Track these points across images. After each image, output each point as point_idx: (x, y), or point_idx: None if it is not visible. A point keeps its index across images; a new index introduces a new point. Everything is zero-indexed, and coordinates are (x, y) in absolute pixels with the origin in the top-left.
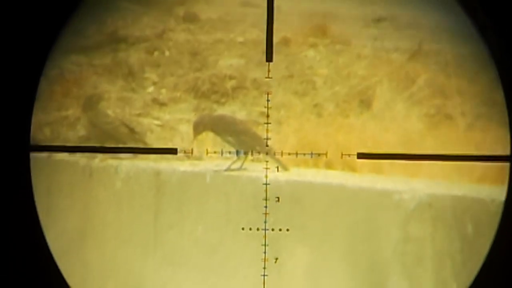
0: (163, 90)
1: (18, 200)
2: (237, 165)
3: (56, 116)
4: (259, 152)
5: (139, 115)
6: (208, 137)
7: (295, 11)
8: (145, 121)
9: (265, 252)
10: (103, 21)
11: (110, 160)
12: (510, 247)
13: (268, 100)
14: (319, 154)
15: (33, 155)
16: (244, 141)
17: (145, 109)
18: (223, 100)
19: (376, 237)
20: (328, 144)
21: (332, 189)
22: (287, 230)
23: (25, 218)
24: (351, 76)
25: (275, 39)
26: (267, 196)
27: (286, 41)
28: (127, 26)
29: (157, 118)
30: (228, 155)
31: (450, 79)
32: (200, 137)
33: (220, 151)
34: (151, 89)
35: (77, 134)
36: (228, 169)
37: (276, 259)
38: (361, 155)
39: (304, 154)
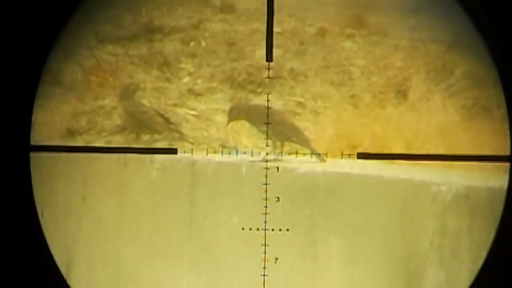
0: (199, 81)
1: (18, 200)
2: (272, 156)
3: (93, 106)
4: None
5: (174, 105)
6: (243, 126)
7: (332, 1)
8: (181, 111)
9: (265, 252)
10: (139, 12)
11: (146, 150)
12: (510, 248)
13: (268, 100)
14: (319, 154)
15: (67, 144)
16: (281, 131)
17: (180, 99)
18: (259, 90)
19: (413, 229)
20: (364, 135)
21: (369, 180)
22: (287, 230)
23: (25, 218)
24: (388, 67)
25: (312, 30)
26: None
27: (323, 32)
28: (162, 16)
29: (193, 109)
30: (228, 155)
31: (487, 71)
32: (235, 127)
33: (221, 151)
34: (186, 79)
35: (113, 123)
36: (263, 160)
37: (276, 259)
38: (361, 155)
39: (304, 154)
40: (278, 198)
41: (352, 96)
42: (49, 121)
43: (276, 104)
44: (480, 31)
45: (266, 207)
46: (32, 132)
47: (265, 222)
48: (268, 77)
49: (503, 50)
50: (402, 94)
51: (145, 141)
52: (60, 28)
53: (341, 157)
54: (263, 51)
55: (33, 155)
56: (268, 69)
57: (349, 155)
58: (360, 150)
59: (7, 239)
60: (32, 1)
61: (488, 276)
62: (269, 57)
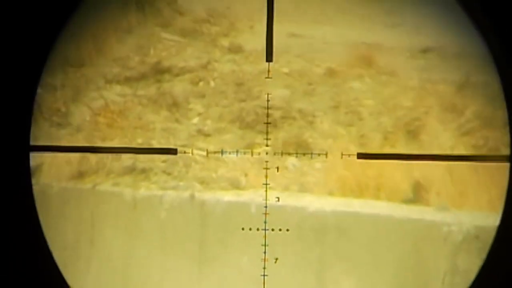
0: (208, 121)
1: (18, 200)
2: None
3: (101, 147)
4: (259, 153)
5: (184, 145)
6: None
7: (340, 41)
8: (190, 151)
9: (265, 252)
10: (147, 52)
11: (154, 191)
12: (510, 248)
13: (268, 101)
14: (319, 154)
15: (75, 186)
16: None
17: (189, 140)
18: (268, 130)
19: (424, 269)
20: (373, 174)
21: (379, 219)
22: (287, 230)
23: (25, 218)
24: (397, 107)
25: (320, 70)
26: (267, 197)
27: (331, 72)
28: (171, 57)
29: (202, 149)
30: (228, 155)
31: (497, 111)
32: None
33: (221, 150)
34: (196, 119)
35: (121, 164)
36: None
37: (276, 259)
38: (361, 155)
39: (304, 154)
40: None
41: (361, 136)
42: (58, 162)
43: (284, 142)
44: (480, 31)
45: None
46: (40, 173)
47: (265, 222)
48: (268, 77)
49: (503, 50)
50: (411, 134)
51: (155, 181)
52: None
53: (341, 157)
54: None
55: (42, 197)
56: (268, 69)
57: (349, 155)
58: (369, 191)
59: (7, 239)
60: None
61: (488, 276)
62: (269, 58)
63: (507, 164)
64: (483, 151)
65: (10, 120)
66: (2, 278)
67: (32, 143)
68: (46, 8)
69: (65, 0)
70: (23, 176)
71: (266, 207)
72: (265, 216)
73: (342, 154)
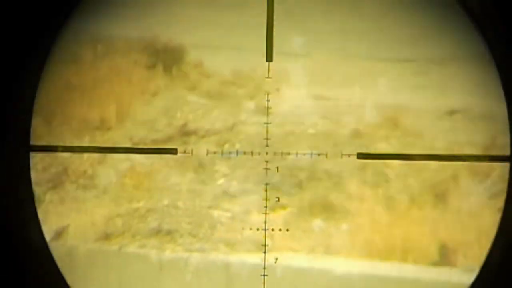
0: (234, 182)
1: (18, 199)
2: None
3: (127, 208)
4: (259, 153)
5: (209, 207)
6: None
7: (366, 103)
8: (215, 213)
9: (265, 252)
10: (173, 115)
11: (180, 253)
12: (509, 248)
13: (268, 100)
14: (319, 154)
15: (101, 248)
16: None
17: (215, 201)
18: (293, 191)
19: None
20: (402, 237)
21: (406, 283)
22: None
23: (25, 218)
24: (424, 169)
25: (346, 131)
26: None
27: (357, 133)
28: (197, 119)
29: (227, 210)
30: (228, 155)
31: None
32: None
33: (220, 151)
34: (221, 181)
35: (147, 226)
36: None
37: (276, 259)
38: (361, 155)
39: (304, 154)
40: None
41: (388, 198)
42: (84, 224)
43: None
44: (480, 31)
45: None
46: (66, 235)
47: (265, 223)
48: (268, 77)
49: (503, 50)
50: (437, 197)
51: (181, 243)
52: None
53: (341, 157)
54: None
55: (68, 259)
56: (268, 69)
57: (349, 155)
58: (395, 253)
59: (7, 239)
60: None
61: (488, 276)
62: (269, 58)
63: (507, 164)
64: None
65: (10, 120)
66: (2, 278)
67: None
68: (41, 7)
69: None
70: (23, 176)
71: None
72: (265, 216)
73: (342, 154)
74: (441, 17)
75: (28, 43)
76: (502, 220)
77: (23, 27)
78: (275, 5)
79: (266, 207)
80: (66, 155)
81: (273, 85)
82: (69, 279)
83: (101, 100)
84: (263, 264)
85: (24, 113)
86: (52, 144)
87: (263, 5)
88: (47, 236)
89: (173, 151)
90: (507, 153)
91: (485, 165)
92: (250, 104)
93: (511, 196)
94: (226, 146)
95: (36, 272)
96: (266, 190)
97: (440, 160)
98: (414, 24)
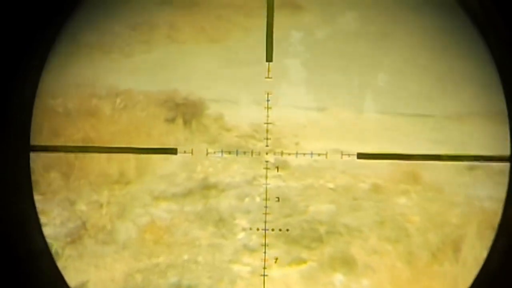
0: (253, 236)
1: (18, 200)
2: None
3: (147, 264)
4: (259, 153)
5: (229, 261)
6: None
7: (385, 157)
8: (235, 267)
9: (265, 252)
10: (193, 169)
11: None
12: (509, 248)
13: (268, 100)
14: (319, 154)
15: None
16: None
17: (235, 255)
18: (313, 245)
19: None
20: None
21: None
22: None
23: (25, 218)
24: (444, 224)
25: (365, 186)
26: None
27: (376, 188)
28: (217, 173)
29: (248, 265)
30: (228, 155)
31: None
32: None
33: (220, 151)
34: (241, 235)
35: (167, 281)
36: None
37: (276, 259)
38: (361, 155)
39: (304, 154)
40: None
41: (408, 253)
42: (103, 280)
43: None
44: (480, 31)
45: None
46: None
47: (265, 222)
48: (268, 77)
49: (503, 50)
50: (458, 251)
51: None
52: None
53: (341, 157)
54: (317, 207)
55: None
56: (268, 69)
57: (349, 155)
58: None
59: (7, 239)
60: None
61: (488, 276)
62: (269, 57)
63: (507, 164)
64: None
65: (10, 120)
66: (2, 278)
67: None
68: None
69: None
70: (23, 176)
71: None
72: (265, 216)
73: (342, 154)
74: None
75: (28, 43)
76: (502, 220)
77: (23, 27)
78: None
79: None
80: (84, 208)
81: (292, 139)
82: None
83: (119, 153)
84: None
85: (24, 113)
86: (52, 144)
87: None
88: None
89: (173, 151)
90: (507, 153)
91: (503, 221)
92: (270, 158)
93: (511, 196)
94: (246, 199)
95: (36, 273)
96: (285, 244)
97: (440, 160)
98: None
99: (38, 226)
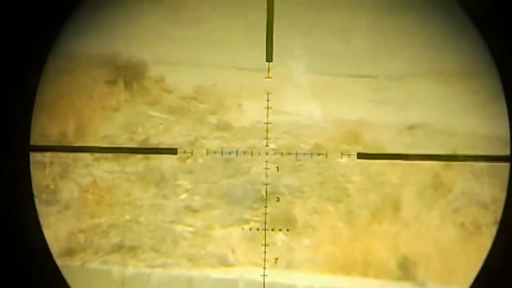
0: (196, 197)
1: (18, 199)
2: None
3: (89, 224)
4: (259, 153)
5: (171, 222)
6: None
7: (328, 118)
8: (178, 228)
9: (265, 252)
10: (135, 130)
11: (142, 268)
12: (509, 248)
13: (268, 100)
14: (319, 154)
15: (64, 263)
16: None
17: (177, 216)
18: (256, 206)
19: None
20: (361, 251)
21: None
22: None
23: (25, 218)
24: (385, 184)
25: (307, 146)
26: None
27: (318, 148)
28: (159, 134)
29: (190, 225)
30: (228, 155)
31: (485, 187)
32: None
33: (220, 151)
34: (183, 196)
35: (110, 242)
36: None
37: (276, 259)
38: (361, 155)
39: (304, 154)
40: None
41: (349, 213)
42: (47, 240)
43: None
44: (480, 30)
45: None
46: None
47: (265, 223)
48: (268, 77)
49: (503, 50)
50: (398, 211)
51: (143, 259)
52: None
53: (341, 157)
54: (260, 167)
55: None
56: (268, 69)
57: (349, 155)
58: (357, 268)
59: (7, 239)
60: None
61: (488, 276)
62: (269, 57)
63: (507, 164)
64: (470, 229)
65: (10, 120)
66: (2, 278)
67: None
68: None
69: None
70: (23, 176)
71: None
72: (265, 216)
73: (342, 154)
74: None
75: (28, 43)
76: (502, 220)
77: (23, 27)
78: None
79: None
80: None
81: (235, 101)
82: None
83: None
84: (225, 277)
85: (24, 113)
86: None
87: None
88: None
89: (173, 151)
90: (507, 153)
91: (444, 181)
92: (213, 119)
93: (511, 196)
94: (189, 161)
95: (36, 272)
96: (228, 204)
97: (439, 160)
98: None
99: (38, 226)
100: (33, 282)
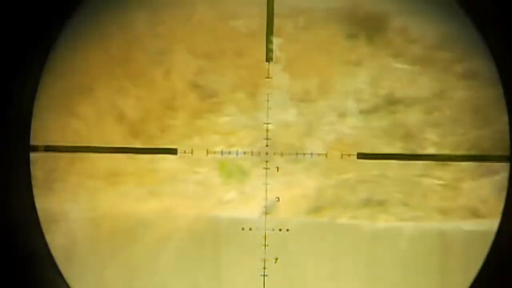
0: (445, 150)
1: (18, 199)
2: None
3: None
4: (259, 153)
5: (419, 175)
6: None
7: None
8: (426, 181)
9: (265, 252)
10: (379, 84)
11: (393, 222)
12: (509, 248)
13: (268, 101)
14: (319, 154)
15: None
16: None
17: (425, 169)
18: None
19: None
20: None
21: None
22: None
23: (25, 218)
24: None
25: None
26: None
27: None
28: (403, 87)
29: (440, 178)
30: (228, 155)
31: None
32: None
33: (221, 151)
34: (431, 149)
35: (358, 196)
36: None
37: (276, 259)
38: (361, 155)
39: (304, 154)
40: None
41: None
42: (294, 198)
43: None
44: (480, 31)
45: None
46: (277, 209)
47: (265, 223)
48: (268, 77)
49: (503, 50)
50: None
51: (394, 213)
52: None
53: (341, 158)
54: None
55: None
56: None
57: (349, 155)
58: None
59: (7, 239)
60: None
61: (488, 276)
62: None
63: (507, 164)
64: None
65: (10, 120)
66: (2, 278)
67: None
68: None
69: None
70: (23, 176)
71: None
72: (265, 216)
73: (342, 155)
74: None
75: (28, 42)
76: (502, 220)
77: (23, 27)
78: None
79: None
80: None
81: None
82: None
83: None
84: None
85: (24, 113)
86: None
87: None
88: None
89: (173, 151)
90: (507, 153)
91: None
92: (459, 68)
93: (511, 196)
94: (436, 113)
95: (36, 273)
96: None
97: (440, 160)
98: None
99: (38, 226)
100: (33, 282)
